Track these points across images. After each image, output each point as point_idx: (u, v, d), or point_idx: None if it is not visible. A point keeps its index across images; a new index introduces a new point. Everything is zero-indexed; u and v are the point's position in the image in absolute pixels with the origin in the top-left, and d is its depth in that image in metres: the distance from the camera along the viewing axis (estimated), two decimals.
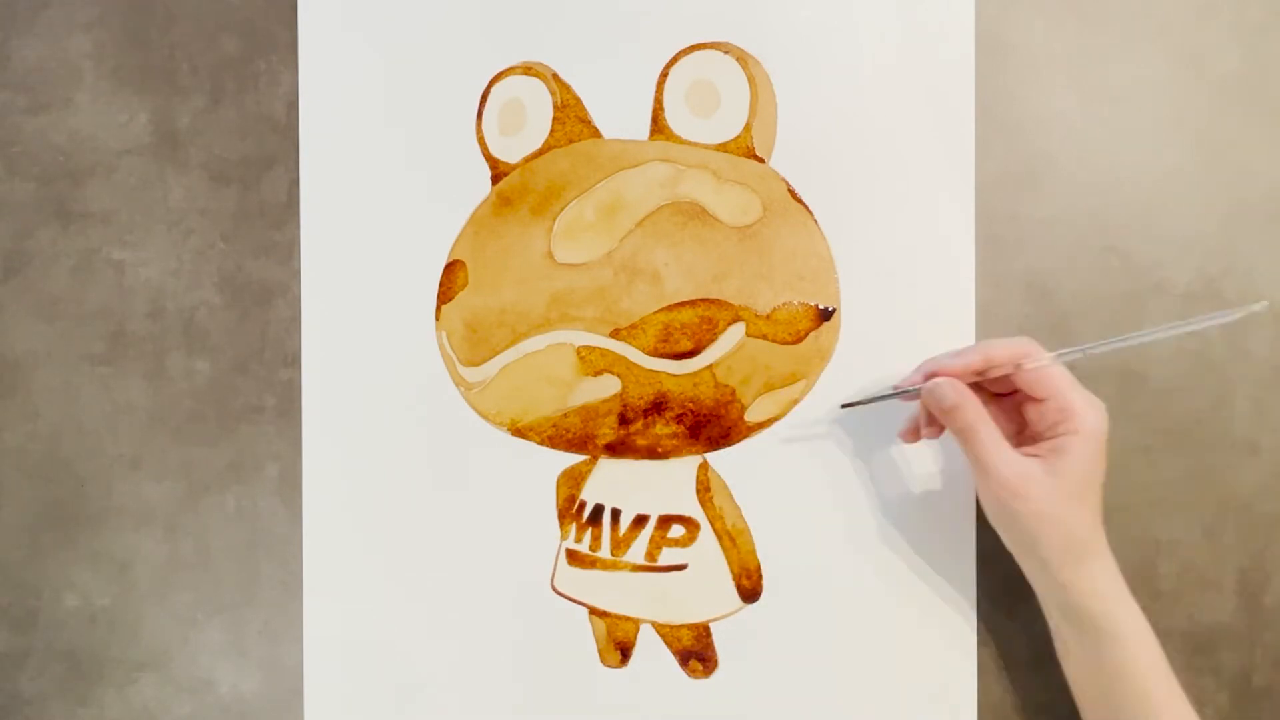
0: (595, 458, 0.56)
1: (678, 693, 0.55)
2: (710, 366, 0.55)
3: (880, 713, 0.54)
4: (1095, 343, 0.47)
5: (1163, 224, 0.54)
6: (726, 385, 0.55)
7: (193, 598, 0.58)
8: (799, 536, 0.55)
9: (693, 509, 0.55)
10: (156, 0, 0.59)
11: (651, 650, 0.56)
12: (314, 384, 0.58)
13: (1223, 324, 0.45)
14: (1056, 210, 0.54)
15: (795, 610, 0.55)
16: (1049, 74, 0.54)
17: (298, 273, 0.58)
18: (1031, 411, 0.48)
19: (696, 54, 0.55)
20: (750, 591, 0.55)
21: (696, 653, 0.55)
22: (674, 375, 0.55)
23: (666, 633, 0.56)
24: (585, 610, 0.56)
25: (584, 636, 0.56)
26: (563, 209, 0.56)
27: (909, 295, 0.54)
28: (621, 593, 0.56)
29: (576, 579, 0.56)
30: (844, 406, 0.53)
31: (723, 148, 0.55)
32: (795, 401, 0.54)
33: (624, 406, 0.55)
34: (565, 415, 0.56)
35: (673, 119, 0.55)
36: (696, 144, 0.55)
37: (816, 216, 0.55)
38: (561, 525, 0.56)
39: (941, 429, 0.49)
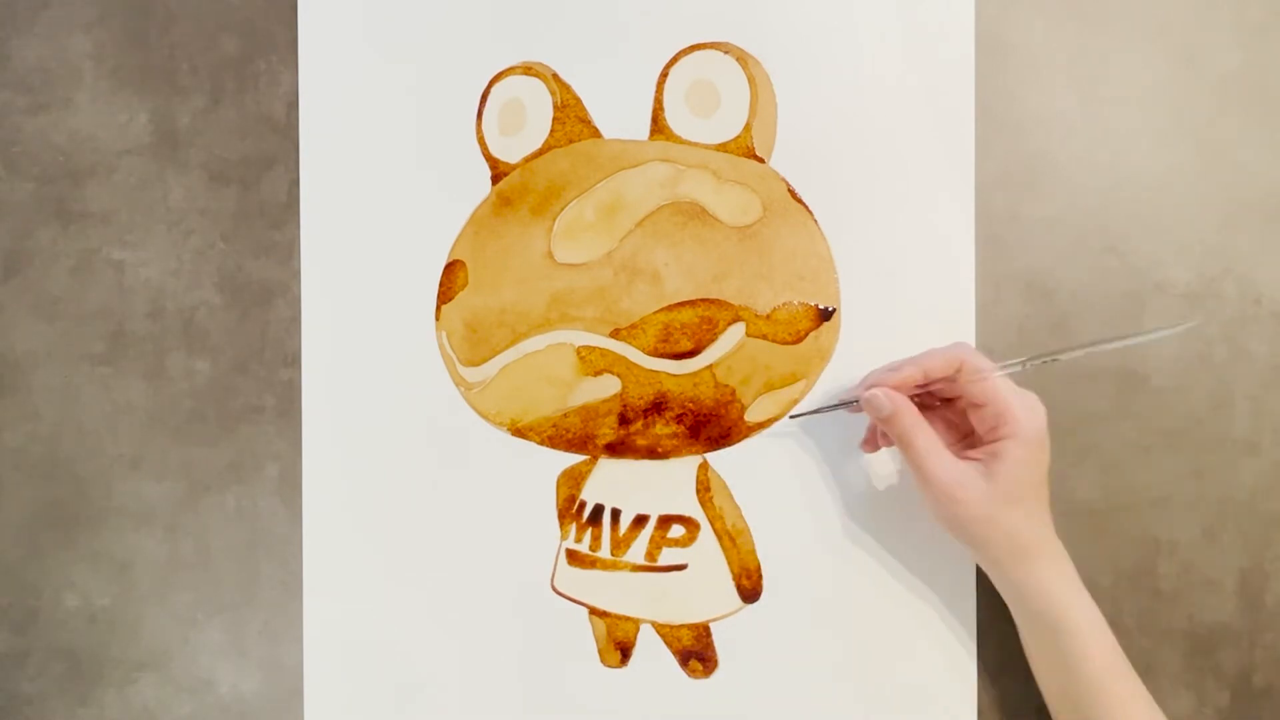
0: (595, 458, 0.56)
1: (678, 693, 0.55)
2: (710, 366, 0.55)
3: (880, 713, 0.54)
4: (1033, 355, 0.48)
5: (1163, 224, 0.54)
6: (726, 385, 0.55)
7: (193, 598, 0.58)
8: (799, 536, 0.55)
9: (693, 509, 0.55)
10: (156, 0, 0.59)
11: (651, 650, 0.56)
12: (314, 384, 0.58)
13: (1158, 339, 0.46)
14: (1056, 210, 0.54)
15: (795, 610, 0.55)
16: (1049, 74, 0.54)
17: (298, 273, 0.58)
18: (973, 417, 0.49)
19: (696, 54, 0.55)
20: (750, 591, 0.55)
21: (696, 653, 0.55)
22: (674, 375, 0.55)
23: (666, 633, 0.56)
24: (585, 610, 0.56)
25: (584, 636, 0.56)
26: (563, 209, 0.56)
27: (909, 295, 0.54)
28: (621, 593, 0.56)
29: (576, 579, 0.56)
30: (792, 417, 0.54)
31: (723, 148, 0.55)
32: (795, 401, 0.54)
33: (624, 406, 0.55)
34: (565, 415, 0.56)
35: (673, 119, 0.55)
36: (696, 144, 0.55)
37: (816, 216, 0.55)
38: (561, 525, 0.56)
39: None
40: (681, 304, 0.55)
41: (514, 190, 0.56)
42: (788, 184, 0.55)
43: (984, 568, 0.50)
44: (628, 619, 0.56)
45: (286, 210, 0.58)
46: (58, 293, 0.59)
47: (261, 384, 0.58)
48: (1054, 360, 0.47)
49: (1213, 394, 0.54)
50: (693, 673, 0.55)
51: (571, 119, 0.56)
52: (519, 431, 0.56)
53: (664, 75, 0.55)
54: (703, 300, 0.55)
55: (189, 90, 0.58)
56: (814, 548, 0.55)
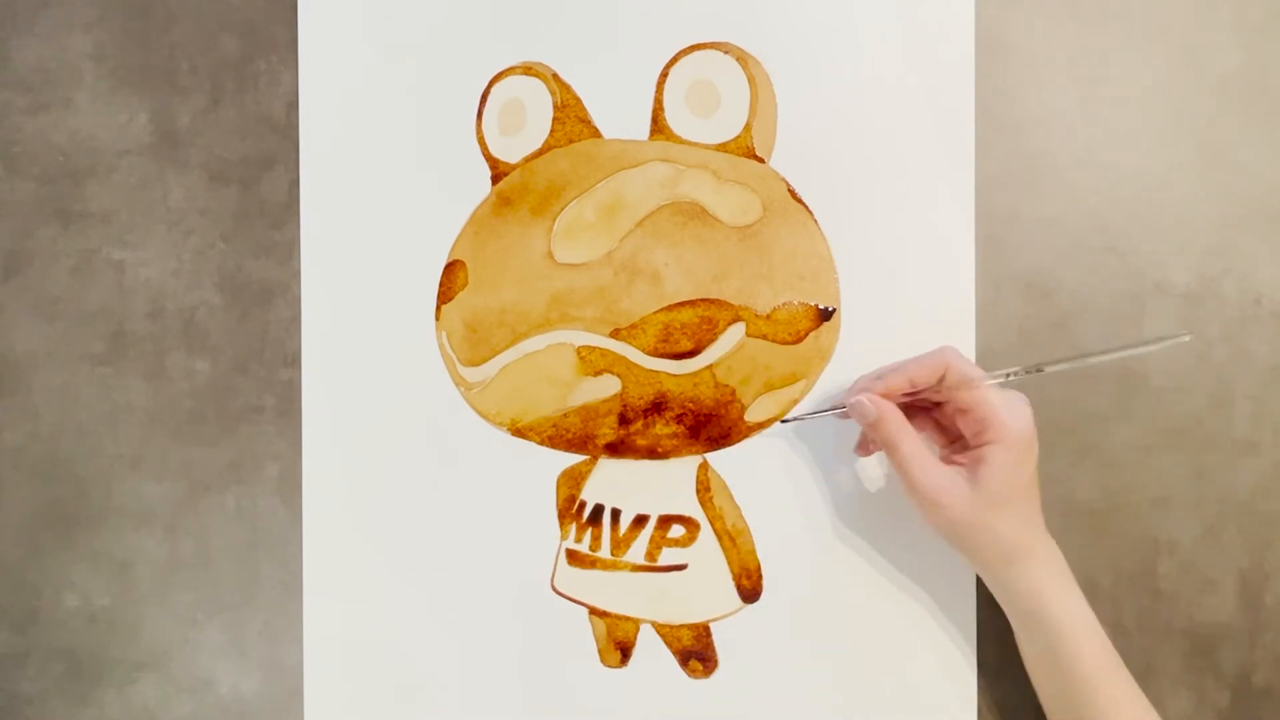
0: (595, 458, 0.56)
1: (678, 693, 0.55)
2: (710, 366, 0.55)
3: (880, 713, 0.54)
4: (1018, 369, 0.48)
5: (1163, 224, 0.54)
6: (726, 385, 0.55)
7: (193, 598, 0.58)
8: (799, 536, 0.55)
9: (693, 509, 0.55)
10: (156, 0, 0.59)
11: (651, 650, 0.56)
12: (314, 384, 0.58)
13: (1145, 352, 0.46)
14: (1056, 210, 0.54)
15: (795, 610, 0.55)
16: (1049, 74, 0.54)
17: (298, 273, 0.58)
18: (960, 422, 0.49)
19: (696, 54, 0.55)
20: (750, 591, 0.55)
21: (696, 653, 0.55)
22: (674, 375, 0.55)
23: (666, 633, 0.56)
24: (585, 610, 0.56)
25: (584, 636, 0.56)
26: (563, 209, 0.56)
27: (909, 295, 0.54)
28: (621, 593, 0.56)
29: (576, 579, 0.56)
30: (783, 422, 0.54)
31: (723, 148, 0.55)
32: (795, 401, 0.54)
33: (624, 406, 0.55)
34: (565, 415, 0.56)
35: (673, 119, 0.55)
36: (696, 144, 0.55)
37: (816, 216, 0.55)
38: (561, 525, 0.56)
39: None
40: (681, 304, 0.55)
41: (514, 190, 0.56)
42: (788, 184, 0.55)
43: (975, 570, 0.50)
44: (628, 619, 0.56)
45: (286, 210, 0.58)
46: (58, 293, 0.59)
47: (261, 384, 0.58)
48: (1038, 371, 0.47)
49: (1213, 394, 0.54)
50: (693, 673, 0.55)
51: (571, 119, 0.56)
52: (519, 431, 0.56)
53: (664, 75, 0.55)
54: (703, 300, 0.55)
55: (189, 90, 0.58)
56: (814, 548, 0.55)
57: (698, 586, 0.55)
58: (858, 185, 0.54)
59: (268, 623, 0.58)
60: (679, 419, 0.55)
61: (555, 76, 0.56)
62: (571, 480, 0.56)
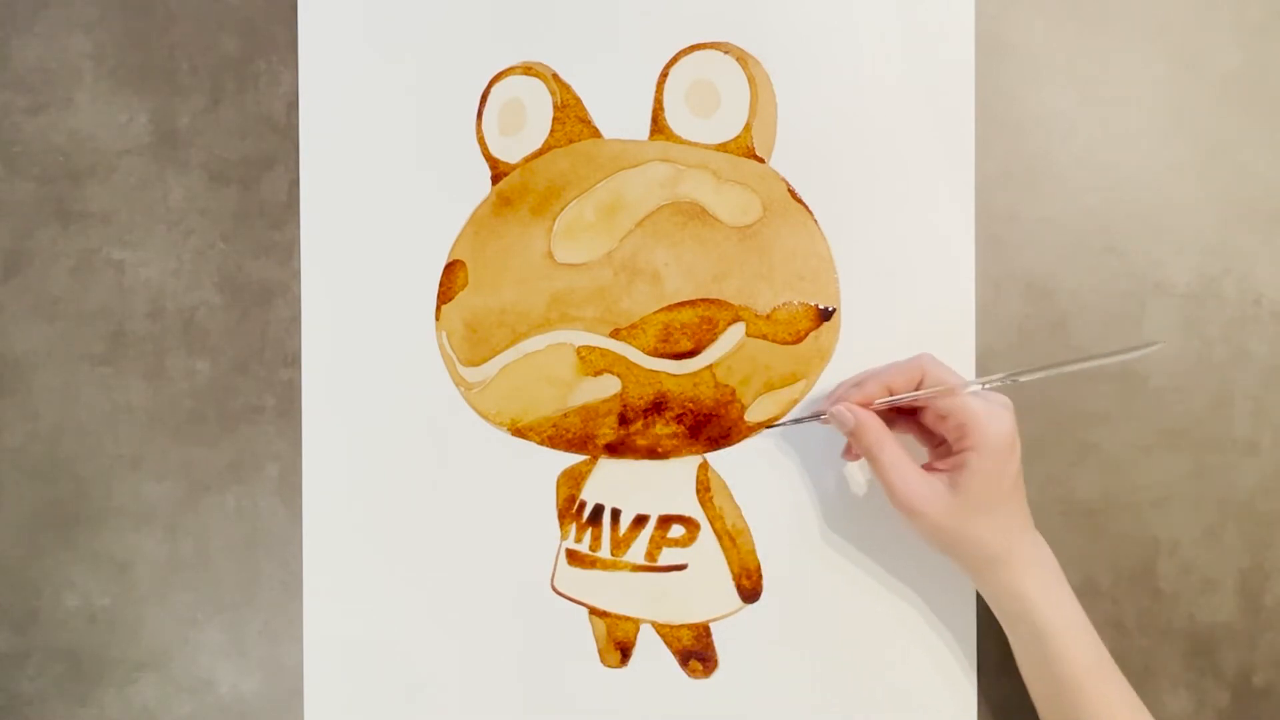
0: (595, 458, 0.56)
1: (678, 693, 0.55)
2: (710, 366, 0.55)
3: (880, 712, 0.54)
4: (991, 377, 0.48)
5: (1163, 224, 0.54)
6: (726, 385, 0.55)
7: (193, 598, 0.58)
8: (799, 536, 0.55)
9: (693, 509, 0.55)
10: (156, 0, 0.59)
11: (651, 650, 0.56)
12: (314, 384, 0.58)
13: (1120, 361, 0.46)
14: (1056, 210, 0.54)
15: (795, 610, 0.55)
16: (1049, 74, 0.54)
17: (298, 273, 0.58)
18: (940, 428, 0.49)
19: (696, 54, 0.55)
20: (750, 591, 0.55)
21: (696, 653, 0.55)
22: (674, 375, 0.55)
23: (666, 633, 0.56)
24: (585, 610, 0.56)
25: (584, 636, 0.56)
26: (563, 209, 0.56)
27: (909, 295, 0.54)
28: (621, 593, 0.56)
29: (576, 579, 0.56)
30: (767, 428, 0.54)
31: (723, 148, 0.55)
32: (795, 401, 0.54)
33: (624, 406, 0.55)
34: (565, 415, 0.56)
35: (673, 119, 0.55)
36: (696, 144, 0.55)
37: (816, 216, 0.55)
38: (561, 525, 0.56)
39: None
40: (681, 304, 0.55)
41: (514, 190, 0.56)
42: (788, 184, 0.55)
43: (962, 573, 0.50)
44: (628, 619, 0.56)
45: (286, 210, 0.58)
46: (58, 293, 0.59)
47: (261, 384, 0.58)
48: (1014, 380, 0.47)
49: (1213, 394, 0.54)
50: (693, 673, 0.55)
51: (571, 119, 0.56)
52: (519, 431, 0.56)
53: (664, 75, 0.55)
54: (703, 300, 0.55)
55: (189, 90, 0.58)
56: (814, 548, 0.55)
57: (698, 586, 0.55)
58: (858, 185, 0.54)
59: (268, 623, 0.58)
60: (679, 419, 0.55)
61: (555, 76, 0.56)
62: (571, 480, 0.56)
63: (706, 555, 0.55)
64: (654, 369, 0.55)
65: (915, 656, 0.54)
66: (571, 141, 0.56)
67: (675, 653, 0.56)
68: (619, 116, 0.56)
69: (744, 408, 0.55)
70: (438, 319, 0.57)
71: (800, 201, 0.55)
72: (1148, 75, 0.54)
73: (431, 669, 0.57)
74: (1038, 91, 0.54)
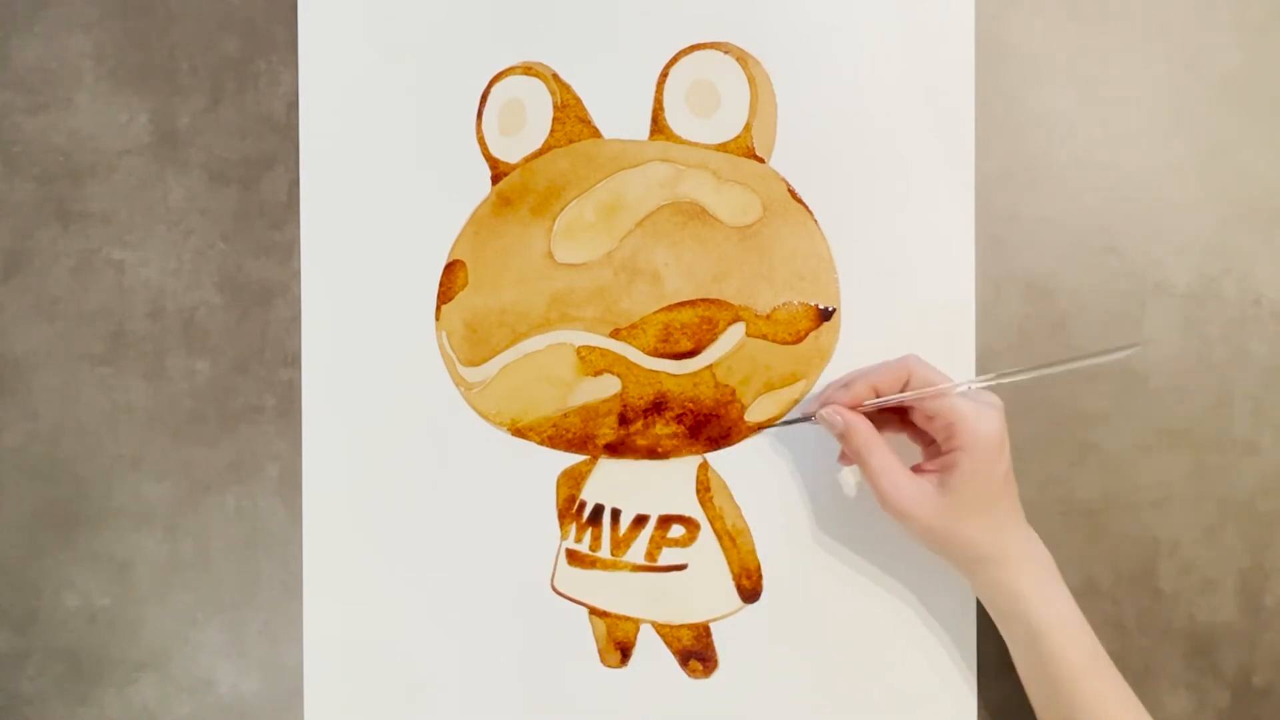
0: (595, 458, 0.56)
1: (678, 693, 0.55)
2: (710, 366, 0.55)
3: (880, 713, 0.54)
4: (980, 377, 0.48)
5: (1163, 224, 0.54)
6: (726, 385, 0.55)
7: (193, 598, 0.58)
8: (799, 536, 0.55)
9: (693, 509, 0.55)
10: (156, 0, 0.59)
11: (651, 650, 0.56)
12: (314, 384, 0.58)
13: (1101, 363, 0.46)
14: (1056, 210, 0.54)
15: (795, 610, 0.55)
16: (1049, 74, 0.54)
17: (298, 273, 0.58)
18: (929, 428, 0.49)
19: (696, 54, 0.55)
20: (750, 591, 0.55)
21: (696, 653, 0.55)
22: (674, 375, 0.55)
23: (666, 633, 0.56)
24: (585, 610, 0.56)
25: (584, 636, 0.56)
26: (563, 209, 0.56)
27: (909, 295, 0.54)
28: (621, 593, 0.56)
29: (576, 579, 0.56)
30: (760, 428, 0.54)
31: (723, 148, 0.55)
32: (795, 401, 0.54)
33: (624, 406, 0.55)
34: (565, 415, 0.56)
35: (673, 119, 0.55)
36: (696, 144, 0.55)
37: (816, 216, 0.55)
38: (561, 525, 0.56)
39: None
40: (681, 304, 0.55)
41: (514, 190, 0.56)
42: (788, 184, 0.55)
43: (957, 572, 0.50)
44: (628, 619, 0.56)
45: (286, 210, 0.58)
46: (58, 293, 0.59)
47: (261, 384, 0.58)
48: (998, 381, 0.47)
49: (1213, 394, 0.54)
50: (693, 673, 0.55)
51: (571, 119, 0.56)
52: (519, 431, 0.56)
53: (664, 75, 0.55)
54: (703, 300, 0.55)
55: (189, 90, 0.58)
56: (814, 548, 0.55)
57: (698, 586, 0.55)
58: (858, 185, 0.54)
59: (268, 623, 0.58)
60: (679, 419, 0.55)
61: (555, 76, 0.56)
62: (571, 480, 0.56)
63: (706, 555, 0.55)
64: (654, 369, 0.55)
65: (915, 657, 0.54)
66: (571, 141, 0.56)
67: (675, 653, 0.56)
68: (619, 116, 0.56)
69: (744, 408, 0.55)
70: (438, 319, 0.57)
71: (800, 201, 0.55)
72: (1148, 75, 0.54)
73: (431, 669, 0.57)
74: (1038, 91, 0.54)
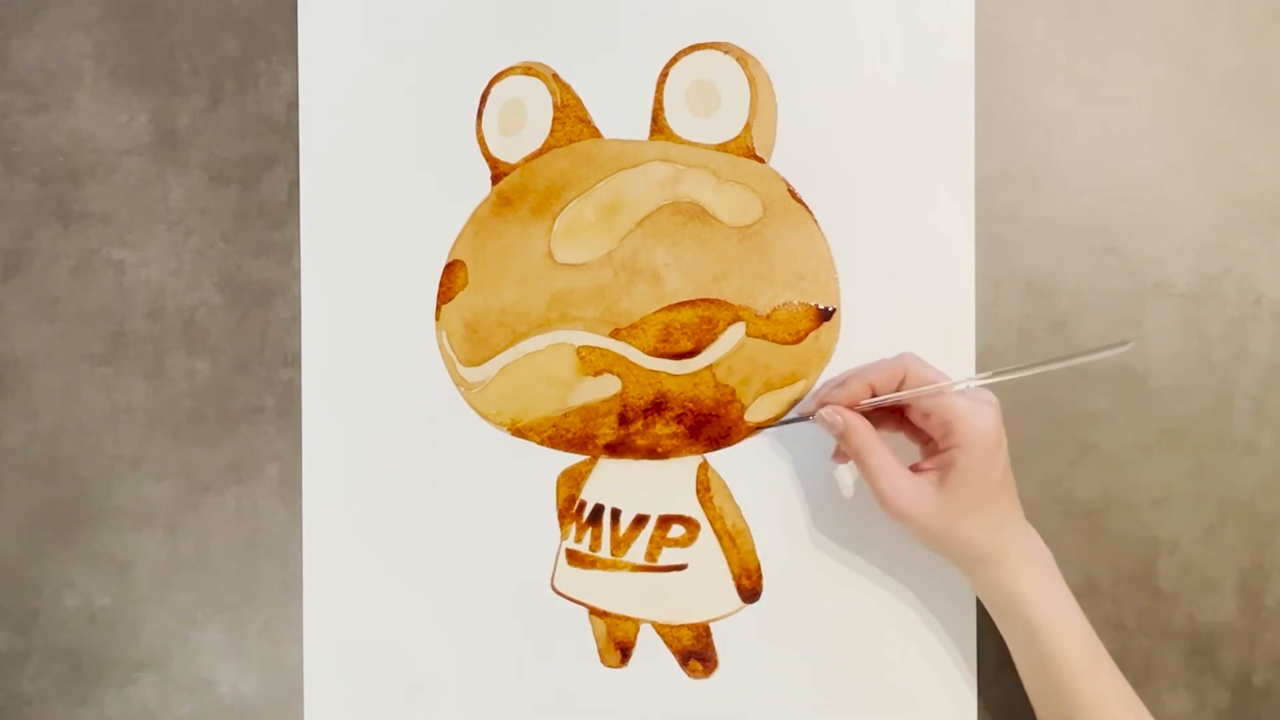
0: (595, 458, 0.56)
1: (678, 693, 0.55)
2: (710, 366, 0.55)
3: (880, 713, 0.54)
4: (974, 376, 0.48)
5: (1163, 224, 0.54)
6: (726, 385, 0.55)
7: (193, 598, 0.58)
8: (799, 536, 0.55)
9: (693, 509, 0.55)
10: (156, 0, 0.59)
11: (651, 650, 0.56)
12: (314, 384, 0.58)
13: (1095, 360, 0.46)
14: (1056, 210, 0.54)
15: (795, 610, 0.55)
16: (1049, 74, 0.54)
17: (298, 273, 0.58)
18: (925, 426, 0.49)
19: (696, 54, 0.55)
20: (750, 591, 0.55)
21: (696, 653, 0.55)
22: (674, 375, 0.55)
23: (666, 633, 0.56)
24: (585, 610, 0.56)
25: (584, 636, 0.56)
26: (563, 209, 0.56)
27: (909, 295, 0.54)
28: (621, 593, 0.56)
29: (576, 579, 0.56)
30: (759, 428, 0.54)
31: (723, 148, 0.55)
32: (795, 401, 0.54)
33: (624, 406, 0.55)
34: (565, 415, 0.56)
35: (673, 119, 0.55)
36: (696, 144, 0.55)
37: (816, 216, 0.55)
38: (561, 525, 0.56)
39: None
40: (681, 304, 0.55)
41: (514, 190, 0.56)
42: (788, 184, 0.55)
43: (955, 570, 0.50)
44: (628, 619, 0.56)
45: (286, 210, 0.58)
46: (58, 293, 0.59)
47: (261, 384, 0.58)
48: (995, 380, 0.47)
49: (1213, 394, 0.54)
50: (693, 673, 0.55)
51: (571, 119, 0.56)
52: (519, 431, 0.56)
53: (664, 75, 0.55)
54: (703, 300, 0.55)
55: (189, 90, 0.58)
56: (814, 548, 0.55)
57: (698, 586, 0.55)
58: (858, 185, 0.54)
59: (268, 623, 0.58)
60: (679, 419, 0.55)
61: (555, 76, 0.56)
62: (571, 480, 0.56)
63: (706, 555, 0.55)
64: (654, 369, 0.55)
65: (915, 657, 0.54)
66: (571, 141, 0.56)
67: (675, 653, 0.56)
68: (619, 116, 0.56)
69: (744, 408, 0.55)
70: (438, 319, 0.57)
71: (800, 201, 0.55)
72: (1148, 75, 0.54)
73: (431, 669, 0.57)
74: (1038, 91, 0.54)
